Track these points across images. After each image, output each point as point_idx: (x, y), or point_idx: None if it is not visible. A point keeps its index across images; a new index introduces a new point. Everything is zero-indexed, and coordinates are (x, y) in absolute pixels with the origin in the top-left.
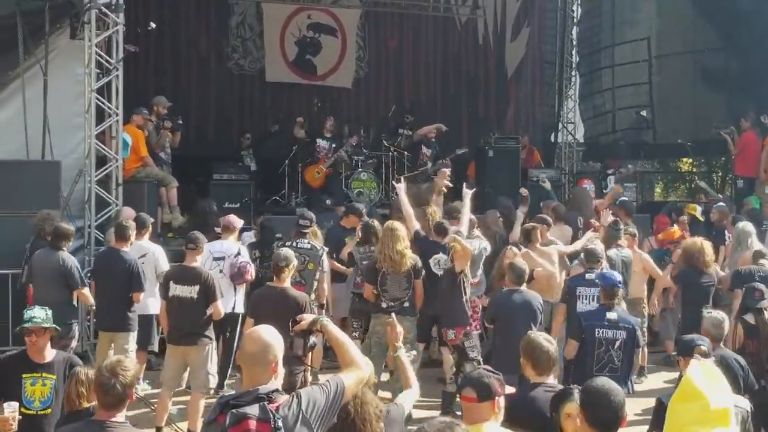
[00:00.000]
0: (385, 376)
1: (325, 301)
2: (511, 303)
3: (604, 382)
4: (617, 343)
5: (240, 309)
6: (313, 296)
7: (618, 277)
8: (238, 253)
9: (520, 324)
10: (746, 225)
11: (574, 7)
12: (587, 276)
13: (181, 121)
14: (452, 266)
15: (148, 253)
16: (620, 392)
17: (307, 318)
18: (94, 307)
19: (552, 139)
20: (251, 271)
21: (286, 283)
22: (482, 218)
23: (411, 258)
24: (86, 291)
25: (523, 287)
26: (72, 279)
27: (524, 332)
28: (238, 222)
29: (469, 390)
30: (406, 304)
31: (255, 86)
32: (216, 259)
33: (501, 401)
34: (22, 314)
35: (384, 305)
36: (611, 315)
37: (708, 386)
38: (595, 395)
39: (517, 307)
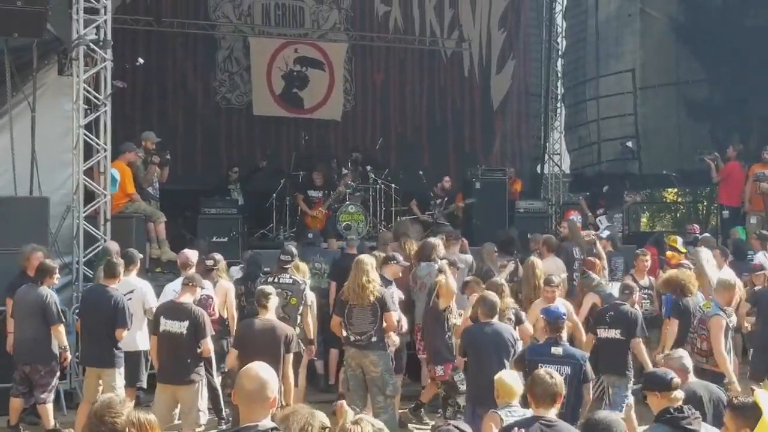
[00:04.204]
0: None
1: (313, 336)
2: (482, 336)
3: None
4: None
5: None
6: (298, 330)
7: (562, 309)
8: (202, 288)
9: (492, 357)
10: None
11: (559, 40)
12: (553, 350)
13: (169, 156)
14: (436, 302)
15: (135, 289)
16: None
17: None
18: (66, 346)
19: (538, 170)
20: (214, 305)
21: (270, 315)
22: (478, 250)
23: (376, 291)
24: (61, 328)
25: (495, 320)
26: (49, 314)
27: (497, 365)
28: (194, 257)
29: None
30: (374, 339)
31: (242, 120)
32: None
33: None
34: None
35: (352, 338)
36: (556, 350)
37: None
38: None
39: (489, 341)
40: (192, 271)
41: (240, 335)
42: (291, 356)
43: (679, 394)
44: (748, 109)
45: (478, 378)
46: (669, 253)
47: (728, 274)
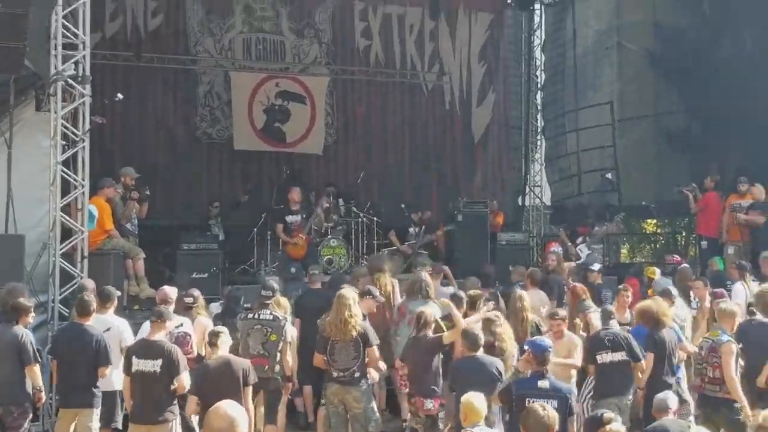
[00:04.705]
0: None
1: (291, 373)
2: (468, 370)
3: None
4: None
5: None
6: (278, 368)
7: (548, 342)
8: (180, 325)
9: (478, 391)
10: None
11: (538, 73)
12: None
13: (148, 192)
14: (440, 336)
15: (112, 327)
16: None
17: None
18: (40, 388)
19: (519, 202)
20: (192, 343)
21: (222, 352)
22: (462, 284)
23: (358, 326)
24: (37, 369)
25: (480, 353)
26: (25, 354)
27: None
28: (173, 293)
29: None
30: (357, 374)
31: (223, 154)
32: None
33: None
34: None
35: (335, 374)
36: (543, 383)
37: None
38: None
39: (475, 374)
40: (172, 307)
41: (197, 380)
42: (250, 389)
43: (614, 426)
44: (724, 140)
45: None
46: (651, 290)
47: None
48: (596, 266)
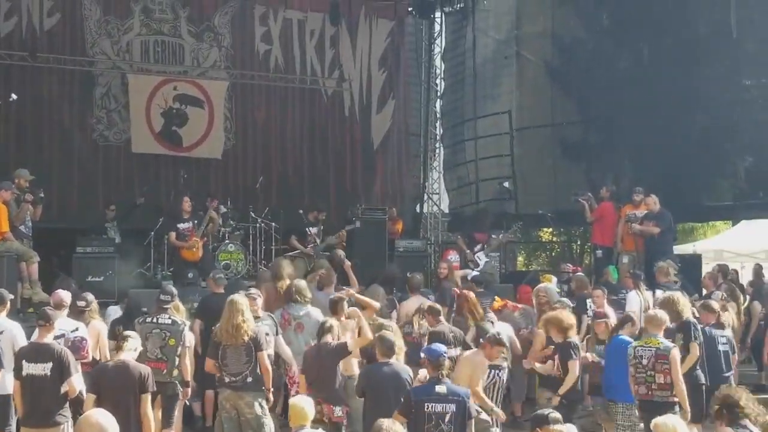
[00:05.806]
0: None
1: (189, 378)
2: (381, 376)
3: None
4: (447, 417)
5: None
6: (176, 372)
7: (443, 348)
8: (76, 329)
9: (390, 397)
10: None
11: (438, 81)
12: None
13: (43, 195)
14: (345, 343)
15: (5, 330)
16: None
17: None
18: None
19: (418, 209)
20: (87, 347)
21: (125, 356)
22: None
23: (250, 330)
24: None
25: (393, 359)
26: None
27: (395, 405)
28: (68, 297)
29: None
30: (249, 379)
31: (120, 158)
32: (56, 337)
33: None
34: None
35: (227, 379)
36: (440, 388)
37: None
38: None
39: (387, 380)
40: (66, 311)
41: (95, 380)
42: (149, 396)
43: (558, 426)
44: (620, 151)
45: (376, 418)
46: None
47: (611, 312)
48: (471, 274)
